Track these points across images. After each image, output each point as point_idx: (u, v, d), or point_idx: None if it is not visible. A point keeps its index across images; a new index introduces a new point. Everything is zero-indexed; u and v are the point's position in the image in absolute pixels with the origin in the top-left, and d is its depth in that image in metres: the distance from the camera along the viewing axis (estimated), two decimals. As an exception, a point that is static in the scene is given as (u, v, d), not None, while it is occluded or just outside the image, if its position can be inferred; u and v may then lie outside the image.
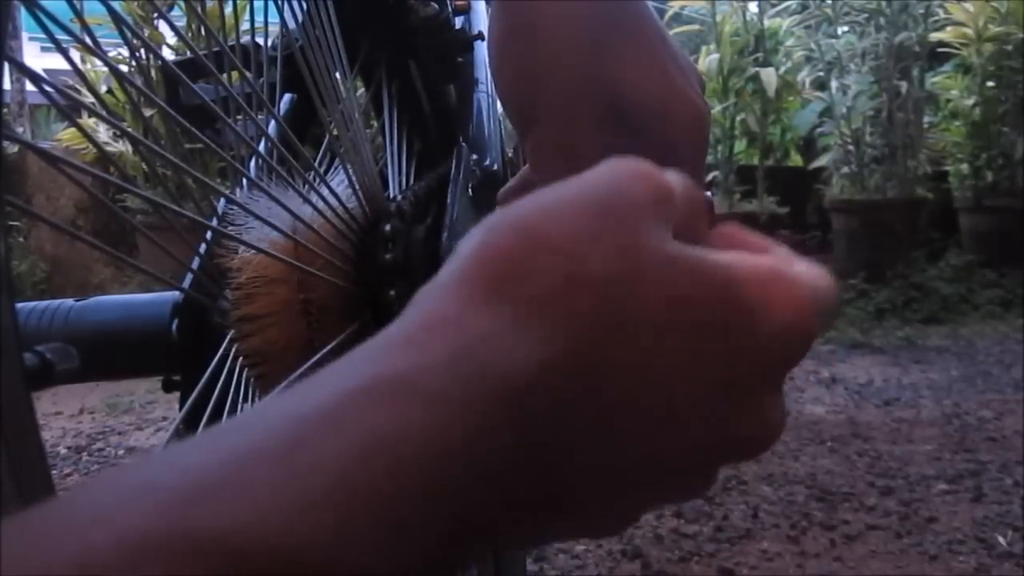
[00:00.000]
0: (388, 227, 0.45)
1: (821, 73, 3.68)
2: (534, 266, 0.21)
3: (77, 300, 0.49)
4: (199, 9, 0.48)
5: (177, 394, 0.47)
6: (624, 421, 0.21)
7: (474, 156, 0.72)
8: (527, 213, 0.22)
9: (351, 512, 0.16)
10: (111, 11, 0.32)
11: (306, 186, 0.43)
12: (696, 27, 3.78)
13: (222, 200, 0.44)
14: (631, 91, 0.35)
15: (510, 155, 0.88)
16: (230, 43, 0.43)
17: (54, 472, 0.99)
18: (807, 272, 0.24)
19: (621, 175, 0.23)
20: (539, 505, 0.21)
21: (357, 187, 0.45)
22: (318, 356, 0.39)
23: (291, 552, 0.15)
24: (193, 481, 0.16)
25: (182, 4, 2.63)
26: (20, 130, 3.50)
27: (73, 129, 2.52)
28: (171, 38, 2.78)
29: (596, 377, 0.20)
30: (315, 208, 0.41)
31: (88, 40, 0.32)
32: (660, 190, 0.23)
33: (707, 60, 3.57)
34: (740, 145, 3.84)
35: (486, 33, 0.39)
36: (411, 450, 0.17)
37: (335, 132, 0.46)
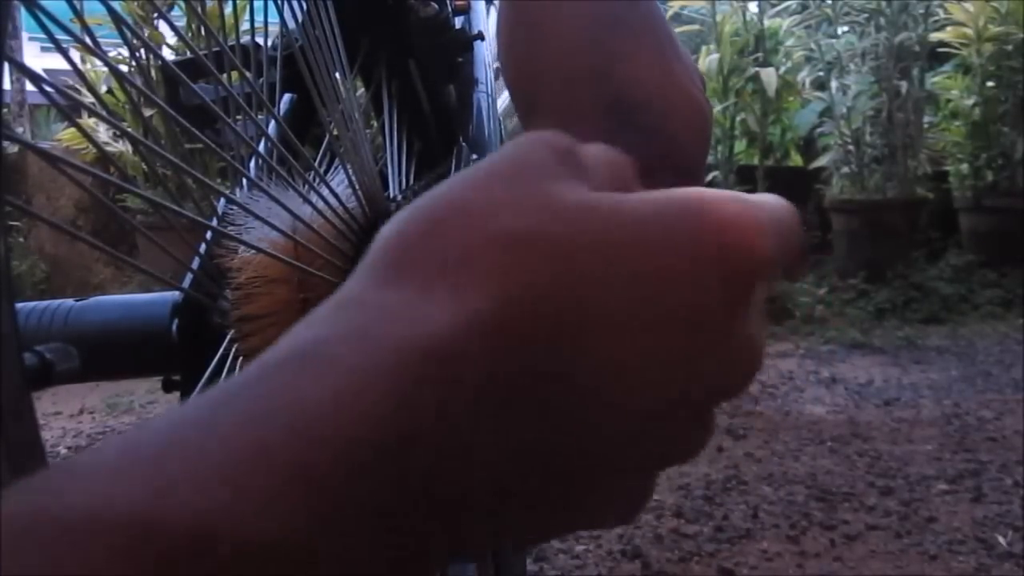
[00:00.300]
0: (388, 227, 0.45)
1: (821, 73, 3.68)
2: (439, 238, 0.20)
3: (77, 300, 0.49)
4: (199, 9, 0.48)
5: (177, 394, 0.47)
6: (585, 377, 0.20)
7: (474, 156, 0.72)
8: (431, 196, 0.21)
9: (243, 472, 0.16)
10: (111, 11, 0.32)
11: (306, 186, 0.43)
12: (696, 27, 3.78)
13: (222, 200, 0.44)
14: (635, 88, 0.35)
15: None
16: (230, 43, 0.43)
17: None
18: (744, 199, 0.22)
19: (522, 144, 0.22)
20: (503, 482, 0.20)
21: (357, 187, 0.45)
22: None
23: (200, 517, 0.15)
24: (114, 464, 0.16)
25: (182, 4, 2.63)
26: (20, 130, 3.50)
27: (73, 129, 2.52)
28: (171, 38, 2.78)
29: (540, 334, 0.19)
30: (315, 208, 0.41)
31: (88, 40, 0.32)
32: (564, 150, 0.22)
33: (707, 60, 3.57)
34: (740, 145, 3.84)
35: (490, 31, 0.40)
36: (308, 414, 0.17)
37: (335, 132, 0.46)
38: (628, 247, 0.20)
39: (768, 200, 0.23)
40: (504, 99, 0.92)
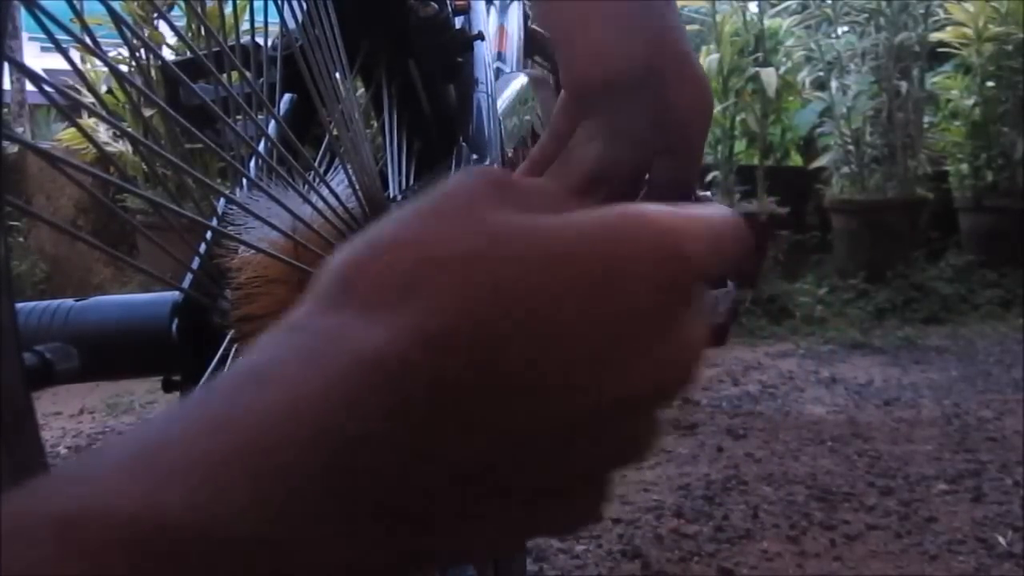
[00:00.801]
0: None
1: (821, 73, 3.67)
2: (382, 265, 0.21)
3: (77, 300, 0.49)
4: (199, 9, 0.48)
5: (177, 394, 0.47)
6: (530, 382, 0.21)
7: (474, 156, 0.72)
8: (375, 230, 0.23)
9: (201, 475, 0.18)
10: (111, 11, 0.32)
11: (306, 186, 0.43)
12: (696, 27, 3.78)
13: (222, 200, 0.44)
14: (670, 40, 0.43)
15: (510, 155, 0.88)
16: (230, 43, 0.43)
17: (54, 472, 0.98)
18: (679, 211, 0.23)
19: (459, 179, 0.24)
20: (463, 484, 0.21)
21: (357, 187, 0.45)
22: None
23: (152, 518, 0.17)
24: (86, 470, 0.18)
25: (182, 4, 2.63)
26: (20, 130, 3.50)
27: (73, 129, 2.51)
28: (171, 38, 2.77)
29: (482, 344, 0.20)
30: (315, 208, 0.41)
31: (88, 40, 0.32)
32: (498, 179, 0.24)
33: (707, 60, 3.57)
34: (740, 145, 3.83)
35: (490, 30, 0.41)
36: (265, 425, 0.19)
37: (335, 132, 0.46)
38: (567, 260, 0.21)
39: (706, 211, 0.24)
40: (504, 99, 0.92)
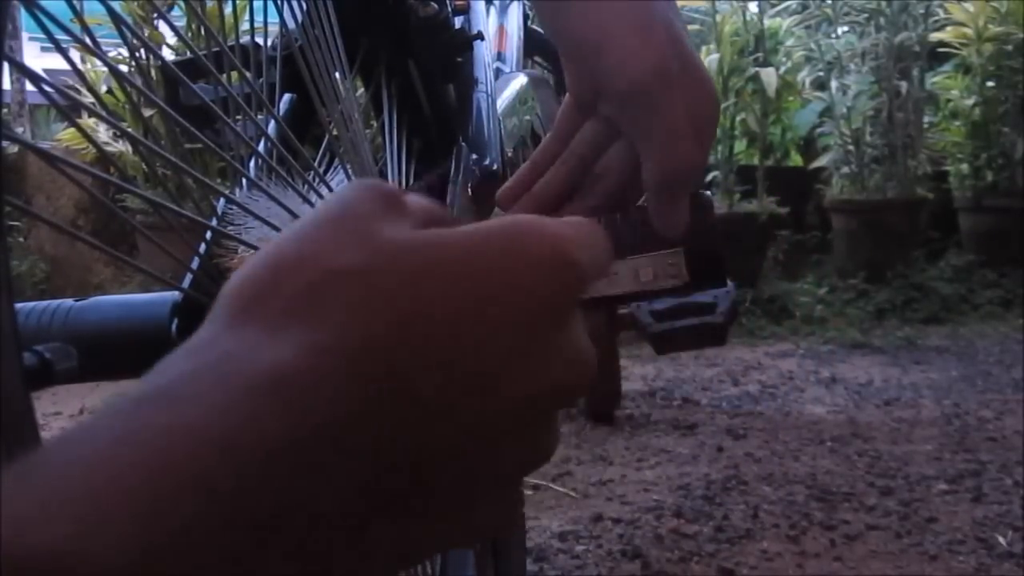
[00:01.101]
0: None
1: (821, 73, 3.67)
2: (279, 282, 0.22)
3: (77, 300, 0.49)
4: (199, 9, 0.48)
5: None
6: (429, 389, 0.21)
7: (474, 156, 0.72)
8: (270, 246, 0.23)
9: (95, 504, 0.17)
10: (111, 11, 0.32)
11: (306, 186, 0.43)
12: (696, 27, 3.78)
13: (222, 200, 0.44)
14: (681, 39, 0.43)
15: (510, 155, 0.88)
16: (230, 43, 0.43)
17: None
18: (559, 220, 0.25)
19: (348, 192, 0.24)
20: (372, 495, 0.21)
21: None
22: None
23: (43, 546, 0.16)
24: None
25: (182, 4, 2.63)
26: (20, 130, 3.50)
27: (73, 129, 2.52)
28: (171, 38, 2.77)
29: (381, 362, 0.20)
30: (315, 208, 0.41)
31: (88, 40, 0.32)
32: (386, 194, 0.24)
33: (707, 60, 3.56)
34: (740, 145, 3.83)
35: (490, 30, 0.41)
36: (163, 448, 0.18)
37: (335, 132, 0.46)
38: (466, 270, 0.22)
39: (579, 221, 0.26)
40: (504, 99, 0.92)
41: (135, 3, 2.56)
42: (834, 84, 3.58)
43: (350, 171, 0.45)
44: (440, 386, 0.21)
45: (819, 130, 3.89)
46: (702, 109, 0.44)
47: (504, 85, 0.98)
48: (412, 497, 0.22)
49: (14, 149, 2.49)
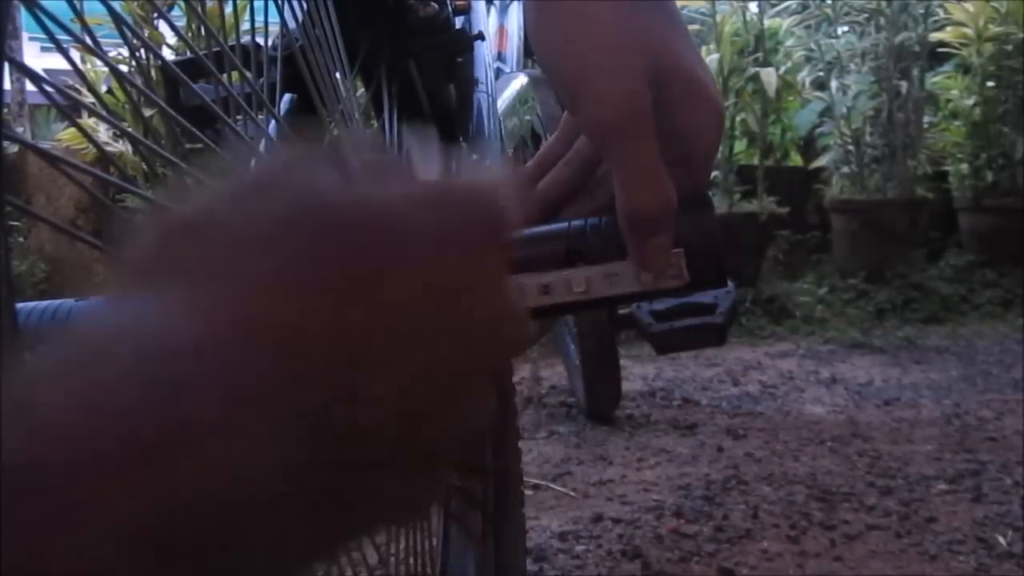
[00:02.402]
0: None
1: (821, 73, 3.67)
2: (201, 243, 0.21)
3: (77, 300, 0.49)
4: (199, 9, 0.48)
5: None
6: (357, 359, 0.20)
7: (474, 156, 0.72)
8: (193, 205, 0.23)
9: None
10: (111, 11, 0.32)
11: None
12: (696, 27, 3.78)
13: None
14: (672, 59, 0.40)
15: (510, 155, 0.88)
16: (230, 43, 0.43)
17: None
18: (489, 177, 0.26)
19: (282, 155, 0.25)
20: (284, 477, 0.20)
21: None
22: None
23: None
24: None
25: (182, 4, 2.63)
26: (20, 130, 3.50)
27: (73, 129, 2.52)
28: (171, 38, 2.77)
29: (291, 320, 0.20)
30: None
31: (88, 40, 0.32)
32: (318, 153, 0.24)
33: (707, 60, 3.57)
34: (740, 145, 3.83)
35: (490, 29, 0.41)
36: (54, 427, 0.17)
37: (335, 132, 0.46)
38: (401, 225, 0.22)
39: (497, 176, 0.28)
40: (504, 99, 0.92)
41: (135, 3, 2.56)
42: (834, 84, 3.58)
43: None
44: (373, 350, 0.20)
45: (819, 130, 3.89)
46: (700, 131, 0.42)
47: (504, 85, 0.98)
48: (332, 470, 0.20)
49: (14, 149, 2.49)
